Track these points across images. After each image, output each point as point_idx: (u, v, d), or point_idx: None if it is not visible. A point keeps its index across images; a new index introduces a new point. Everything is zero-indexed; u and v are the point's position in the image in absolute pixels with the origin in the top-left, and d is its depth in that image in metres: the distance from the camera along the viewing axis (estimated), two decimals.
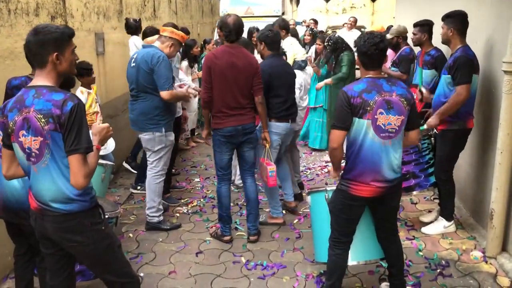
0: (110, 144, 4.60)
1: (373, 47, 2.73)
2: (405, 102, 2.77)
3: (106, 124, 2.48)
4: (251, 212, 4.17)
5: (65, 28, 2.29)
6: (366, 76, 2.82)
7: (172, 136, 4.29)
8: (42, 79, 2.25)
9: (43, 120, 2.17)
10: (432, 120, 3.92)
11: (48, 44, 2.20)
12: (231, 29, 3.85)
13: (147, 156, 4.38)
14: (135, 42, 5.74)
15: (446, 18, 3.90)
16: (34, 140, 2.21)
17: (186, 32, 7.11)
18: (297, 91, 4.65)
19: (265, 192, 4.57)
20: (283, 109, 4.25)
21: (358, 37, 2.90)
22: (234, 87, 3.87)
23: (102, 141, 2.44)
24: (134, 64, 4.13)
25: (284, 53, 5.02)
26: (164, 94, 4.01)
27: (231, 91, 3.87)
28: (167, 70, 4.02)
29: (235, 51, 3.90)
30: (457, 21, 3.84)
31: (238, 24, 3.87)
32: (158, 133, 4.16)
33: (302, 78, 5.09)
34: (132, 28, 5.84)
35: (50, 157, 2.22)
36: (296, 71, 4.82)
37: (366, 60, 2.80)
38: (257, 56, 4.63)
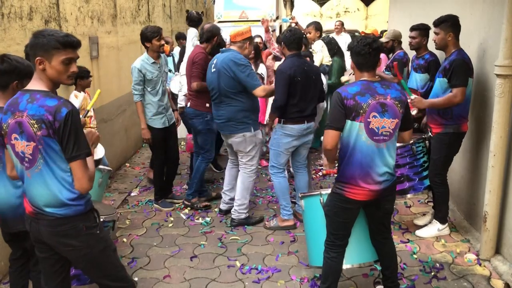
0: (100, 150, 4.59)
1: (367, 47, 2.76)
2: (399, 105, 2.78)
3: (89, 129, 2.54)
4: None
5: (59, 36, 2.19)
6: (361, 79, 2.83)
7: (260, 134, 4.41)
8: (36, 83, 2.25)
9: (35, 125, 2.16)
10: (420, 102, 3.87)
11: (34, 48, 2.19)
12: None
13: (239, 157, 4.45)
14: (192, 35, 5.85)
15: (442, 23, 3.84)
16: (27, 145, 2.20)
17: (183, 37, 7.13)
18: None
19: (276, 191, 4.49)
20: (296, 111, 4.15)
21: (351, 40, 2.92)
22: None
23: (92, 145, 2.48)
24: (214, 69, 4.22)
25: (309, 54, 5.09)
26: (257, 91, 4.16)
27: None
28: (249, 71, 4.15)
29: None
30: (454, 25, 3.82)
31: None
32: (249, 133, 4.28)
33: (324, 81, 5.06)
34: (195, 20, 6.02)
35: (44, 163, 2.21)
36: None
37: (361, 60, 2.81)
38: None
